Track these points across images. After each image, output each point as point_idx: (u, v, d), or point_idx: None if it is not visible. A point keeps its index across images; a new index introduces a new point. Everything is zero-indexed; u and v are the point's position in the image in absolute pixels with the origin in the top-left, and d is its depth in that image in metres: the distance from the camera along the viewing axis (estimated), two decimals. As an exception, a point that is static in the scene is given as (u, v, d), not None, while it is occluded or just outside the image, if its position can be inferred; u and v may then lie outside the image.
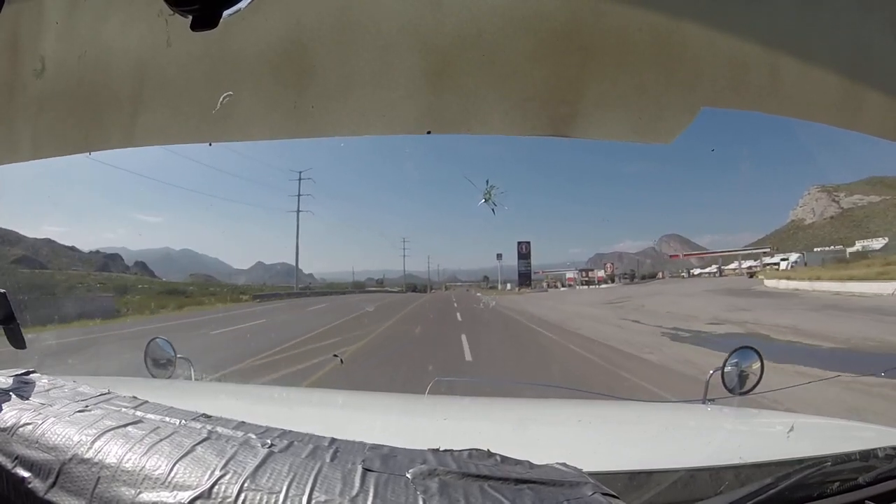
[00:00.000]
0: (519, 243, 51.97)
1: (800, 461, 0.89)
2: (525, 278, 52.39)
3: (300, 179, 45.12)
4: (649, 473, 0.88)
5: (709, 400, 1.75)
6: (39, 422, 0.73)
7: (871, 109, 1.24)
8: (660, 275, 56.04)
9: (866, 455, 0.91)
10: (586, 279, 54.80)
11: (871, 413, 4.86)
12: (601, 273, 55.59)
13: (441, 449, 0.67)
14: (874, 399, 5.31)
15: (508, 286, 54.78)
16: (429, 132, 1.25)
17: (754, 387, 1.78)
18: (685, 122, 1.23)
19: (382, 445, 0.67)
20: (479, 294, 46.95)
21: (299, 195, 45.45)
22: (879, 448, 0.93)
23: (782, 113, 1.28)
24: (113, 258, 41.95)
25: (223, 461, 0.61)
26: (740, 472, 0.88)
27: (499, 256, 55.69)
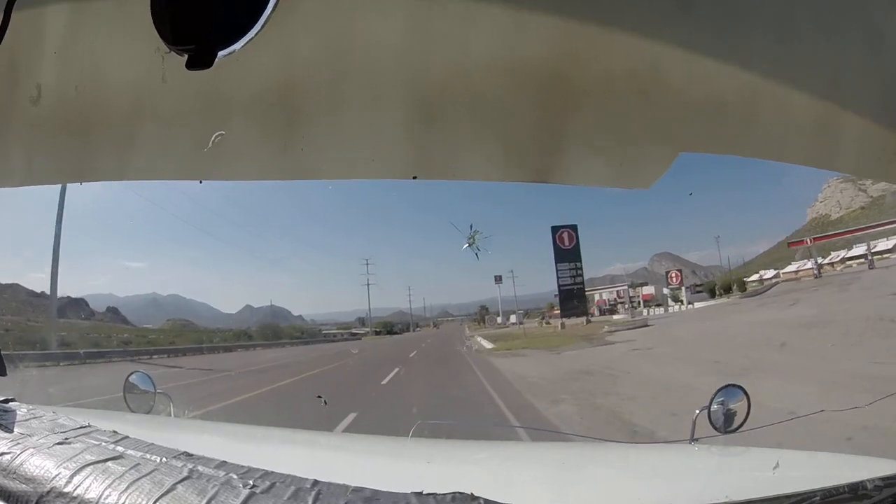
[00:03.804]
0: (556, 231, 29.39)
1: (787, 497, 0.88)
2: (572, 299, 29.72)
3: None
4: None
5: (695, 440, 1.74)
6: (18, 452, 0.72)
7: (847, 150, 1.29)
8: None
9: (855, 487, 0.91)
10: (631, 299, 35.84)
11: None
12: (648, 290, 36.92)
13: (424, 492, 0.66)
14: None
15: (513, 318, 37.42)
16: (415, 177, 1.28)
17: (741, 425, 1.78)
18: (663, 168, 1.27)
19: (365, 488, 0.66)
20: (476, 338, 27.39)
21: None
22: (868, 479, 0.92)
23: (759, 156, 1.33)
24: (76, 303, 40.88)
25: (204, 501, 0.60)
26: None
27: (497, 279, 36.23)
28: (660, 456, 1.70)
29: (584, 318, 30.20)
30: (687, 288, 34.98)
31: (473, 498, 0.66)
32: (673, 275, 35.69)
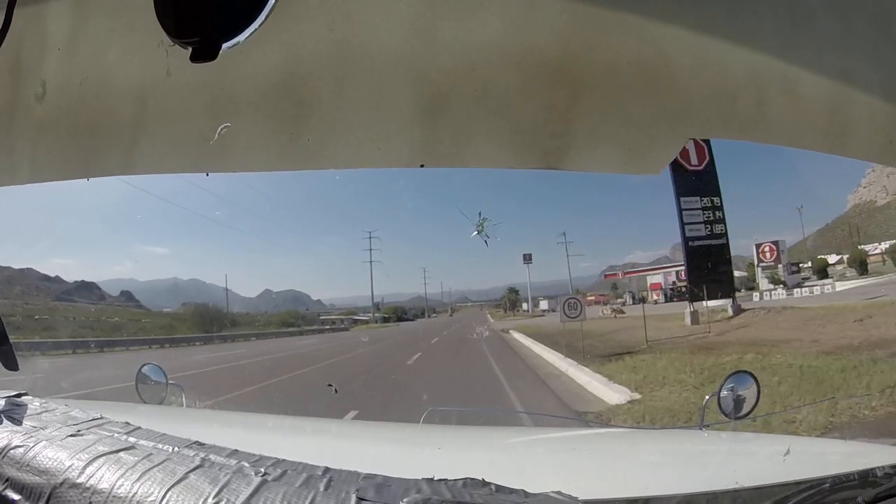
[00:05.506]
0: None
1: (797, 483, 0.88)
2: (711, 262, 16.37)
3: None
4: (646, 501, 0.87)
5: (705, 426, 1.74)
6: (31, 444, 0.73)
7: (857, 134, 1.28)
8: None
9: (865, 475, 0.90)
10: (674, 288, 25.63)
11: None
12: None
13: (435, 478, 0.67)
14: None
15: (543, 304, 30.35)
16: (422, 165, 1.27)
17: (750, 411, 1.78)
18: (673, 153, 1.26)
19: (376, 475, 0.67)
20: (518, 339, 17.21)
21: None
22: (878, 467, 0.92)
23: (769, 141, 1.31)
24: (85, 287, 41.01)
25: (216, 489, 0.61)
26: (737, 497, 0.87)
27: (525, 258, 29.31)
28: (670, 442, 1.71)
29: (729, 304, 17.24)
30: (783, 266, 25.00)
31: (484, 483, 0.66)
32: (767, 248, 25.07)
